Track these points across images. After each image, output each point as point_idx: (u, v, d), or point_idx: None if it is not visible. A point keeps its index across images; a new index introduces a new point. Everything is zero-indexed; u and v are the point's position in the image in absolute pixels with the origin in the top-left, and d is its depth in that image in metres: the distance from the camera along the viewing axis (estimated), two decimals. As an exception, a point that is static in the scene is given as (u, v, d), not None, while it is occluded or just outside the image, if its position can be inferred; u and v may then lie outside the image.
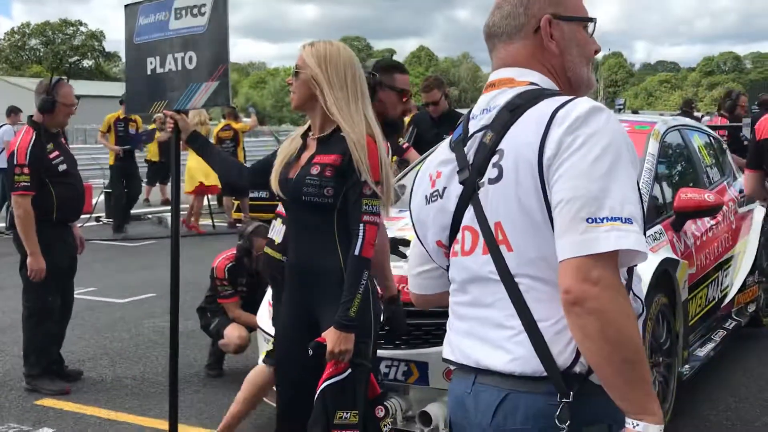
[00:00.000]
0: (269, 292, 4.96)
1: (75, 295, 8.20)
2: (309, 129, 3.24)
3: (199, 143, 3.73)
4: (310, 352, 2.97)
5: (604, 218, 1.58)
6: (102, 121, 14.02)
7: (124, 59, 4.26)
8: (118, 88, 69.09)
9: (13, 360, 6.10)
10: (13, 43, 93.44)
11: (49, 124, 5.42)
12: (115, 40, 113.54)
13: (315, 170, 3.05)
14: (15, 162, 5.23)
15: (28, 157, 5.21)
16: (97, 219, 14.39)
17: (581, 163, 1.61)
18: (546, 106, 1.71)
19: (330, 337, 2.94)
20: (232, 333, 5.59)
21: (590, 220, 1.58)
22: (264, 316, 4.84)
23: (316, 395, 2.98)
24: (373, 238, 3.00)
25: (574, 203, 1.60)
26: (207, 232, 12.88)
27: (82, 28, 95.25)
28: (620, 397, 1.60)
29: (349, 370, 2.98)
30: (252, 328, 5.56)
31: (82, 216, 14.80)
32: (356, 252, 2.96)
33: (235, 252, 5.70)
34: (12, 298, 8.25)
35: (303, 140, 3.22)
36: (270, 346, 4.67)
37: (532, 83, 1.81)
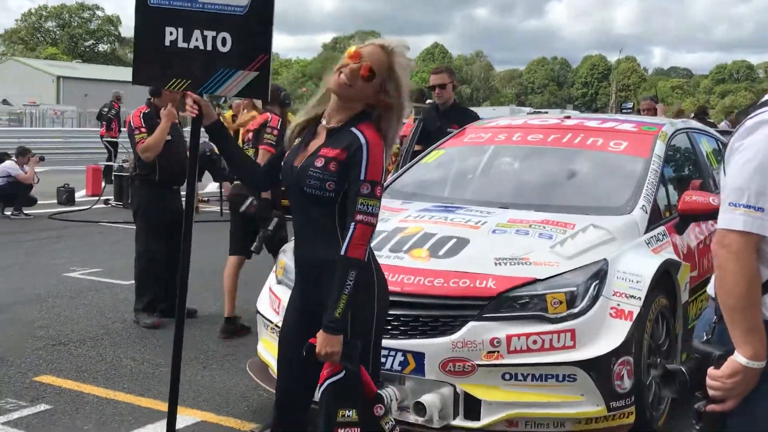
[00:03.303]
0: (271, 277, 4.99)
1: (79, 275, 8.37)
2: (321, 114, 3.14)
3: (221, 134, 3.48)
4: (304, 354, 2.97)
5: (740, 204, 2.24)
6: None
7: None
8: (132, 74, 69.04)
9: (15, 337, 6.14)
10: (29, 25, 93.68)
11: (159, 104, 6.67)
12: (131, 25, 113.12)
13: (319, 163, 3.00)
14: (133, 127, 6.61)
15: (142, 120, 6.57)
16: (106, 201, 14.46)
17: (737, 162, 2.28)
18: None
19: (318, 338, 2.93)
20: None
21: (731, 204, 2.26)
22: (264, 302, 4.87)
23: (319, 393, 2.98)
24: (363, 238, 2.92)
25: (727, 190, 2.30)
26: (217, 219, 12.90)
27: (99, 13, 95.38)
28: (729, 329, 2.27)
29: (344, 372, 2.96)
30: None
31: (91, 198, 15.03)
32: (342, 251, 2.91)
33: None
34: (15, 276, 8.33)
35: (314, 127, 3.15)
36: (269, 332, 4.70)
37: None
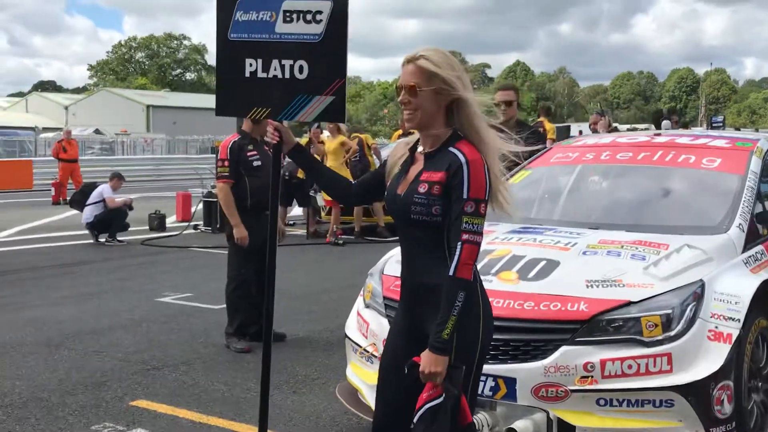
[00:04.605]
0: (359, 301, 5.00)
1: (171, 300, 8.57)
2: (417, 142, 3.17)
3: (303, 157, 3.60)
4: (406, 371, 2.95)
5: None
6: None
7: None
8: (218, 101, 70.63)
9: (112, 362, 6.30)
10: (120, 56, 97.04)
11: (253, 131, 6.83)
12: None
13: (423, 188, 2.99)
14: (218, 158, 6.85)
15: (228, 153, 6.74)
16: (195, 227, 14.79)
17: None
18: None
19: (423, 357, 2.90)
20: None
21: None
22: (353, 326, 4.88)
23: (416, 417, 2.95)
24: (470, 258, 2.91)
25: None
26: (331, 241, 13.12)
27: (186, 42, 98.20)
28: None
29: (444, 395, 2.92)
30: None
31: (181, 224, 15.46)
32: (450, 272, 2.89)
33: None
34: (110, 302, 8.57)
35: (411, 153, 3.16)
36: (358, 356, 4.71)
37: None
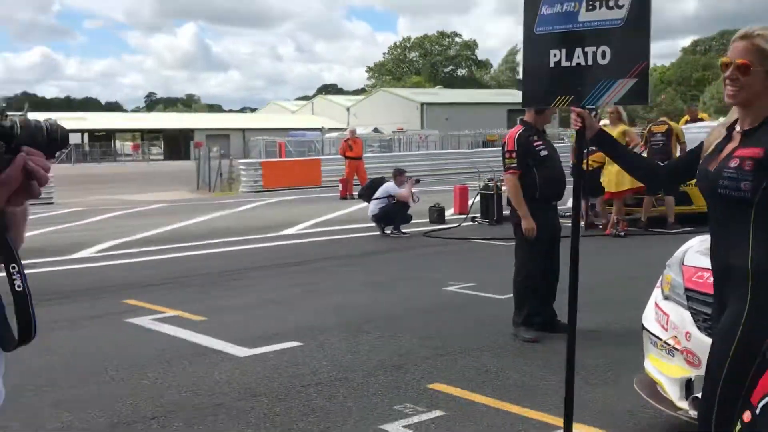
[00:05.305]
0: (657, 292, 4.86)
1: (456, 289, 8.81)
2: (735, 121, 3.12)
3: (606, 142, 3.68)
4: (765, 354, 2.84)
5: None
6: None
7: (521, 49, 4.24)
8: (488, 95, 71.82)
9: (407, 346, 6.63)
10: (395, 57, 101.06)
11: (536, 122, 6.91)
12: (487, 48, 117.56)
13: (734, 163, 2.95)
14: (506, 149, 6.85)
15: (516, 144, 6.77)
16: (473, 219, 15.08)
17: None
18: None
19: None
20: None
21: None
22: (650, 318, 4.76)
23: (754, 410, 2.80)
24: None
25: None
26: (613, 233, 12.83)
27: (457, 39, 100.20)
28: None
29: None
30: None
31: (459, 216, 15.85)
32: None
33: None
34: (400, 289, 8.99)
35: (728, 132, 3.12)
36: (657, 349, 4.59)
37: None
